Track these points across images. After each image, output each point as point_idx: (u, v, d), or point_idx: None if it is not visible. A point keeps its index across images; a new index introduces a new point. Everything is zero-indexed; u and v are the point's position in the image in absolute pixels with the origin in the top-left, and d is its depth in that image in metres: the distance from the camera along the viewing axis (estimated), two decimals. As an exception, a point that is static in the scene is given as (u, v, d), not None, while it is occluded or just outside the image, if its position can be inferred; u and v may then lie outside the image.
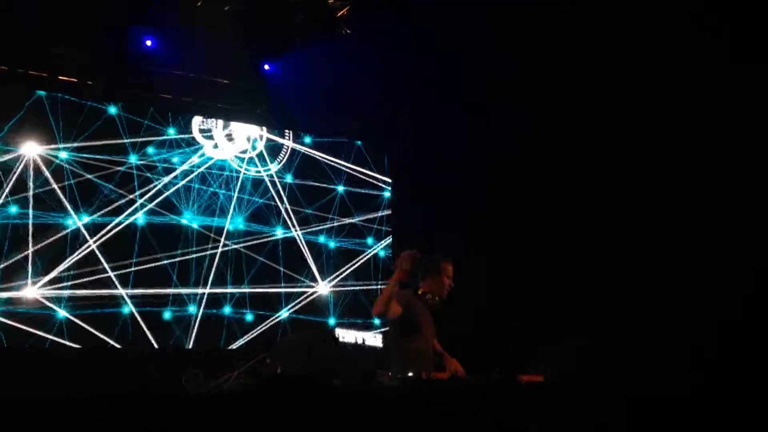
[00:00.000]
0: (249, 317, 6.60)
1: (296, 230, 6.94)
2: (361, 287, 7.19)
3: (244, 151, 6.84)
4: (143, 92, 6.35)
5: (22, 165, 5.77)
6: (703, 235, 4.80)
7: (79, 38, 5.78)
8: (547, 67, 5.80)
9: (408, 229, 7.24)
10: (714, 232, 4.75)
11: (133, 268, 6.08)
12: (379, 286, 7.27)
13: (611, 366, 3.71)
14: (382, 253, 7.41)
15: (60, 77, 5.99)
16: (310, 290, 6.94)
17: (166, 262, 6.25)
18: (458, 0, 5.58)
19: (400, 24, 5.90)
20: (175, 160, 6.44)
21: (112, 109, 6.20)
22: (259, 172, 6.89)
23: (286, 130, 7.13)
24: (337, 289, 7.06)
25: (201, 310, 6.38)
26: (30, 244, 5.68)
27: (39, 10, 5.50)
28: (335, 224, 7.17)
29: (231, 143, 6.77)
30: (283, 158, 7.06)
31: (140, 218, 6.19)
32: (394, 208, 7.52)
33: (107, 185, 6.08)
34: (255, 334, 6.58)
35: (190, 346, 6.28)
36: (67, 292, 5.74)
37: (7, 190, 5.68)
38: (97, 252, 5.94)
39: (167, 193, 6.35)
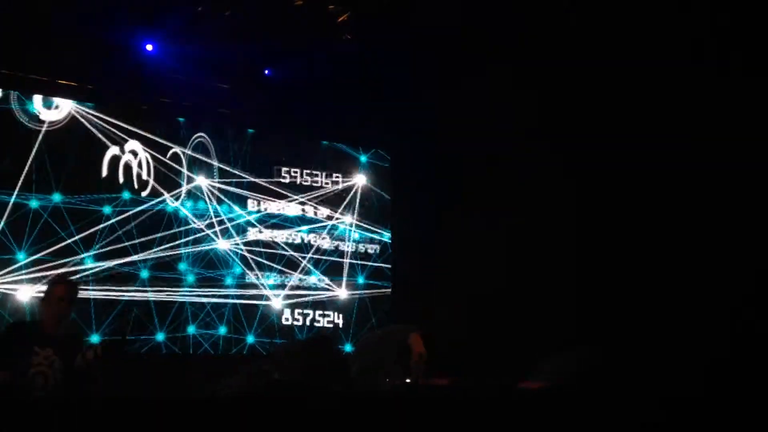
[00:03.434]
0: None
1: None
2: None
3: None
4: (143, 97, 6.33)
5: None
6: (706, 237, 4.81)
7: (80, 42, 5.78)
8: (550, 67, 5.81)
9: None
10: (715, 234, 4.76)
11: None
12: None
13: (613, 373, 3.69)
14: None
15: (59, 81, 5.97)
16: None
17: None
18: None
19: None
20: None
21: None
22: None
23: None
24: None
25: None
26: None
27: (37, 11, 5.47)
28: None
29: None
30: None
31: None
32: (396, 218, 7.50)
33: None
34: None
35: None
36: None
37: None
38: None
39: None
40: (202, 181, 6.57)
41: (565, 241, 5.80)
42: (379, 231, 7.39)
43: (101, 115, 6.13)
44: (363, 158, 7.40)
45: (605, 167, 5.52)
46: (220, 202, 6.62)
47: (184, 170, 6.48)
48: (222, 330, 6.47)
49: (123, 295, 6.05)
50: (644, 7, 5.09)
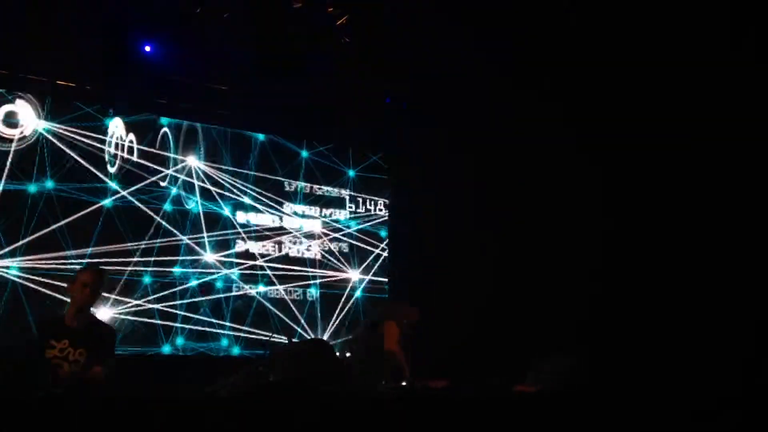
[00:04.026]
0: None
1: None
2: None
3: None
4: (141, 98, 6.34)
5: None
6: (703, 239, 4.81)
7: (78, 43, 5.78)
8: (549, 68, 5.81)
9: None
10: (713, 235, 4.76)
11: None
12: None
13: (613, 375, 3.70)
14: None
15: (58, 82, 5.97)
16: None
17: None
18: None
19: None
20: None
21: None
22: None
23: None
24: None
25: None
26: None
27: (36, 13, 5.48)
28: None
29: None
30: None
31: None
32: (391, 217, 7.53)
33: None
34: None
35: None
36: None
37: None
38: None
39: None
40: (195, 166, 6.55)
41: (566, 242, 5.80)
42: (378, 229, 7.43)
43: (71, 128, 6.03)
44: (351, 173, 7.41)
45: (604, 167, 5.53)
46: (215, 203, 6.62)
47: (179, 163, 6.49)
48: (224, 342, 6.49)
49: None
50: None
